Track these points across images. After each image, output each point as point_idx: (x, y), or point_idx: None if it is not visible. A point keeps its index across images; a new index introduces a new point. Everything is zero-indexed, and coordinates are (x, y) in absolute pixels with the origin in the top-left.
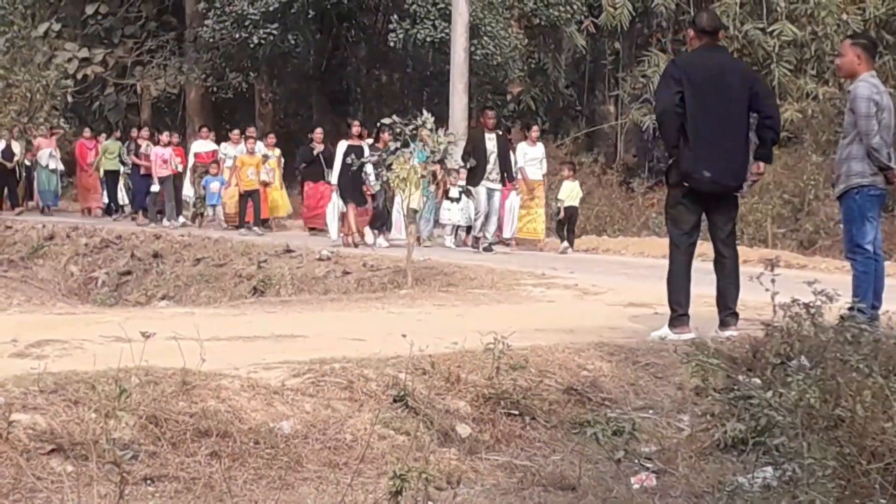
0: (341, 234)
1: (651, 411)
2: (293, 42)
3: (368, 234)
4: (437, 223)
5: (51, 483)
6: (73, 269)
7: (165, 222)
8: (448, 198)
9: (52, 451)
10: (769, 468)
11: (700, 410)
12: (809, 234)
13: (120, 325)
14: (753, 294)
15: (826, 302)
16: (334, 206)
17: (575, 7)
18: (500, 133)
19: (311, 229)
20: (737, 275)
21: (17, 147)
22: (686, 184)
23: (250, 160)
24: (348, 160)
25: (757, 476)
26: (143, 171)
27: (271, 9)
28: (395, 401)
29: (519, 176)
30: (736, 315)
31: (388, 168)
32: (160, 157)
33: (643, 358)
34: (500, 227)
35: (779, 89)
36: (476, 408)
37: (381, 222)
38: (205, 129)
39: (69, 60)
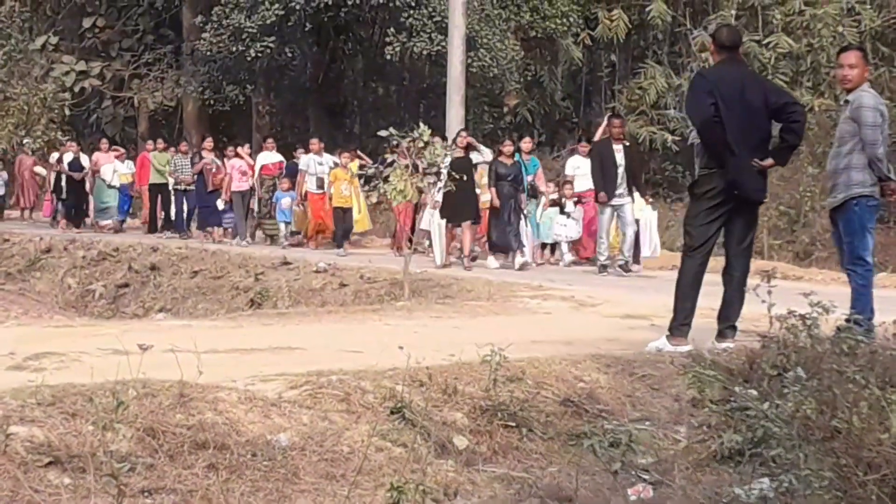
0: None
1: (648, 423)
2: (290, 55)
3: (491, 259)
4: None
5: (48, 496)
6: (71, 282)
7: (238, 241)
8: (562, 212)
9: (50, 463)
10: (766, 479)
11: (697, 422)
12: (805, 246)
13: (117, 338)
14: (750, 305)
15: (822, 313)
16: (438, 226)
17: (571, 20)
18: (629, 144)
19: (399, 249)
20: (743, 289)
21: (85, 160)
22: (735, 192)
23: (343, 174)
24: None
25: (754, 487)
26: (211, 187)
27: (268, 22)
28: (392, 413)
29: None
30: (735, 328)
31: (385, 180)
32: (237, 169)
33: (640, 370)
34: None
35: None
36: (473, 420)
37: (515, 242)
38: (270, 140)
39: (66, 73)
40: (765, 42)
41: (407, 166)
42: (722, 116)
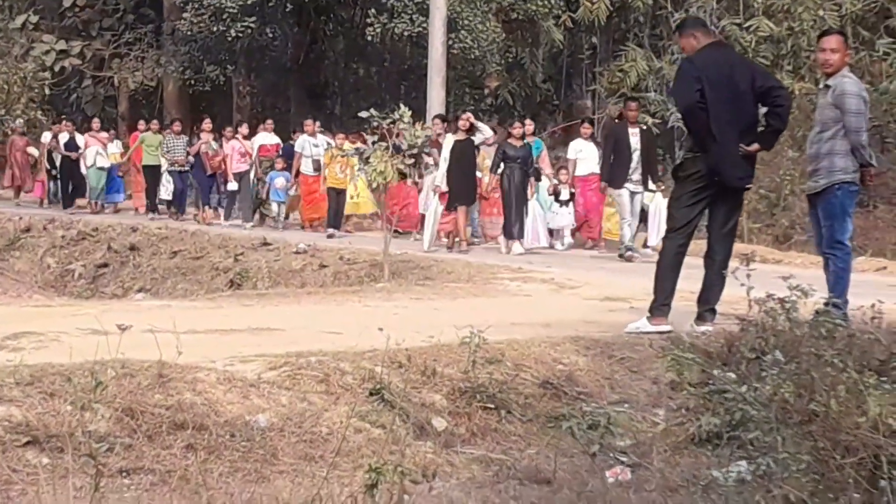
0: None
1: (626, 405)
2: (271, 35)
3: (502, 243)
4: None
5: (26, 475)
6: (50, 262)
7: (244, 225)
8: (557, 200)
9: (28, 443)
10: (744, 462)
11: (675, 404)
12: (785, 230)
13: (96, 318)
14: (729, 289)
15: (801, 297)
16: (434, 212)
17: (552, 1)
18: (645, 128)
19: (396, 232)
20: (724, 274)
21: (80, 139)
22: (716, 178)
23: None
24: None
25: (731, 470)
26: (210, 170)
27: (249, 2)
28: (371, 394)
29: (574, 171)
30: (714, 311)
31: (366, 161)
32: (237, 150)
33: (619, 352)
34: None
35: None
36: (452, 401)
37: (517, 229)
38: (269, 121)
39: (47, 52)
40: (745, 25)
41: (387, 147)
42: (708, 102)
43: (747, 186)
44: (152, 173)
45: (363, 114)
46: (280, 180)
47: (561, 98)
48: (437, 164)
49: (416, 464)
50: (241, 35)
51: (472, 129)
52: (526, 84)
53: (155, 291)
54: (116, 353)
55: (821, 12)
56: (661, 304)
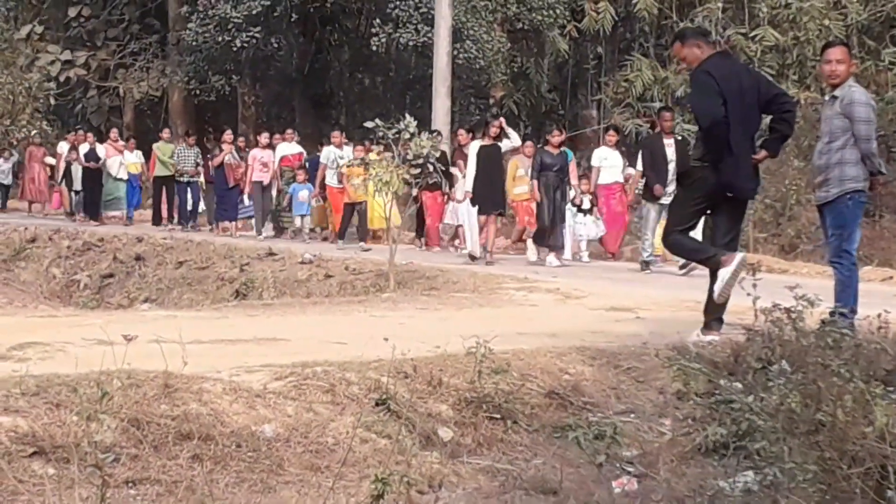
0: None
1: (633, 415)
2: (276, 45)
3: (531, 250)
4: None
5: (32, 486)
6: (56, 272)
7: (262, 233)
8: (580, 210)
9: (34, 453)
10: (750, 472)
11: (681, 414)
12: (791, 239)
13: (102, 328)
14: (735, 298)
15: (807, 307)
16: (468, 216)
17: (558, 11)
18: (681, 138)
19: (428, 245)
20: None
21: (101, 150)
22: (729, 193)
23: (358, 168)
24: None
25: (738, 480)
26: (232, 182)
27: (254, 12)
28: (377, 404)
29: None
30: (721, 321)
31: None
32: (258, 160)
33: (625, 362)
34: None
35: None
36: (458, 411)
37: (554, 240)
38: (290, 131)
39: (52, 63)
40: (751, 35)
41: (393, 158)
42: (727, 114)
43: (753, 197)
44: (165, 184)
45: (368, 124)
46: (303, 193)
47: (566, 108)
48: (465, 176)
49: (422, 474)
50: (246, 45)
51: (500, 136)
52: (531, 94)
53: (160, 301)
54: (122, 364)
55: (826, 22)
56: (713, 256)
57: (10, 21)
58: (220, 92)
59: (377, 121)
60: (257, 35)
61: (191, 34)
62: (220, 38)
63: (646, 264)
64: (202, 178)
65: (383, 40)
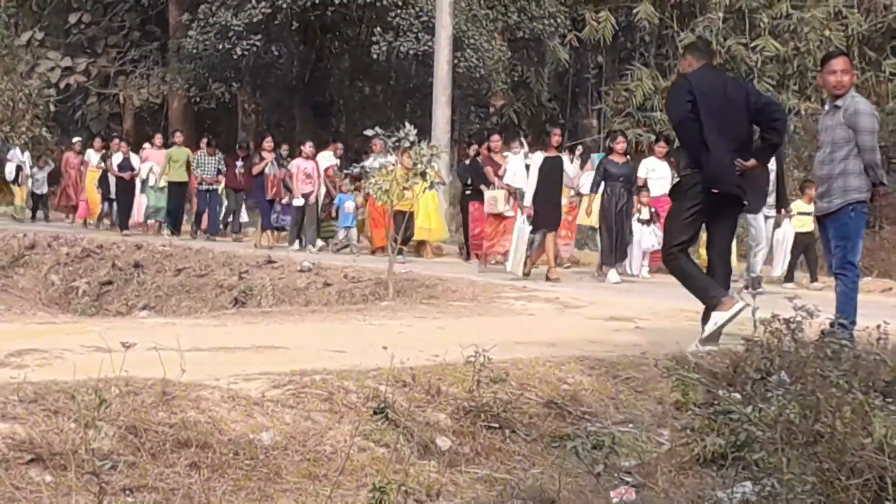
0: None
1: (631, 425)
2: (276, 53)
3: (612, 271)
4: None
5: (29, 493)
6: (54, 279)
7: (309, 248)
8: (638, 220)
9: (32, 460)
10: (748, 483)
11: (680, 425)
12: None
13: (100, 335)
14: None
15: (806, 318)
16: (520, 232)
17: (558, 21)
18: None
19: (478, 257)
20: (728, 286)
21: (136, 160)
22: (714, 190)
23: (405, 176)
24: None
25: (736, 491)
26: (270, 194)
27: (255, 20)
28: (375, 413)
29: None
30: (719, 332)
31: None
32: (302, 170)
33: (624, 372)
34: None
35: None
36: (456, 420)
37: (618, 254)
38: (338, 144)
39: (52, 69)
40: (752, 45)
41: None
42: (700, 114)
43: (743, 198)
44: (178, 191)
45: (368, 132)
46: (350, 204)
47: (566, 117)
48: (492, 184)
49: (420, 483)
50: (246, 53)
51: (561, 147)
52: (531, 103)
53: (159, 309)
54: (120, 371)
55: (827, 32)
56: (713, 296)
57: (11, 27)
58: (221, 99)
59: (377, 129)
60: (258, 43)
61: (191, 42)
62: (220, 46)
63: (756, 282)
64: (222, 186)
65: (384, 49)
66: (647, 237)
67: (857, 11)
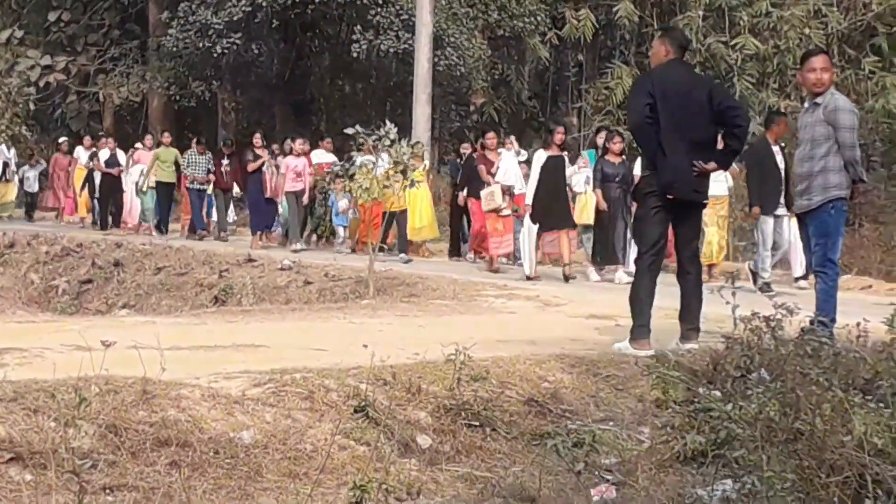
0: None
1: (611, 423)
2: (256, 51)
3: (591, 269)
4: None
5: (9, 492)
6: (34, 277)
7: (294, 245)
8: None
9: (11, 459)
10: (729, 481)
11: (660, 423)
12: None
13: (80, 334)
14: (714, 307)
15: (786, 315)
16: (528, 232)
17: (539, 19)
18: (783, 146)
19: (477, 253)
20: (700, 289)
21: (122, 156)
22: (669, 195)
23: (397, 174)
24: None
25: (716, 489)
26: (268, 193)
27: (235, 18)
28: (355, 411)
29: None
30: (698, 329)
31: (351, 178)
32: (292, 168)
33: (604, 370)
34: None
35: (741, 103)
36: (437, 419)
37: (618, 254)
38: (327, 140)
39: (31, 68)
40: (731, 43)
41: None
42: (659, 116)
43: (704, 202)
44: (166, 192)
45: (349, 130)
46: (343, 203)
47: (546, 115)
48: (487, 183)
49: (401, 481)
50: (226, 51)
51: (564, 145)
52: (512, 101)
53: (139, 307)
54: (100, 370)
55: (806, 31)
56: (639, 326)
57: None
58: (201, 98)
59: (357, 127)
60: (238, 41)
61: (171, 40)
62: (200, 44)
63: (767, 286)
64: (211, 187)
65: (364, 47)
66: None
67: (837, 9)
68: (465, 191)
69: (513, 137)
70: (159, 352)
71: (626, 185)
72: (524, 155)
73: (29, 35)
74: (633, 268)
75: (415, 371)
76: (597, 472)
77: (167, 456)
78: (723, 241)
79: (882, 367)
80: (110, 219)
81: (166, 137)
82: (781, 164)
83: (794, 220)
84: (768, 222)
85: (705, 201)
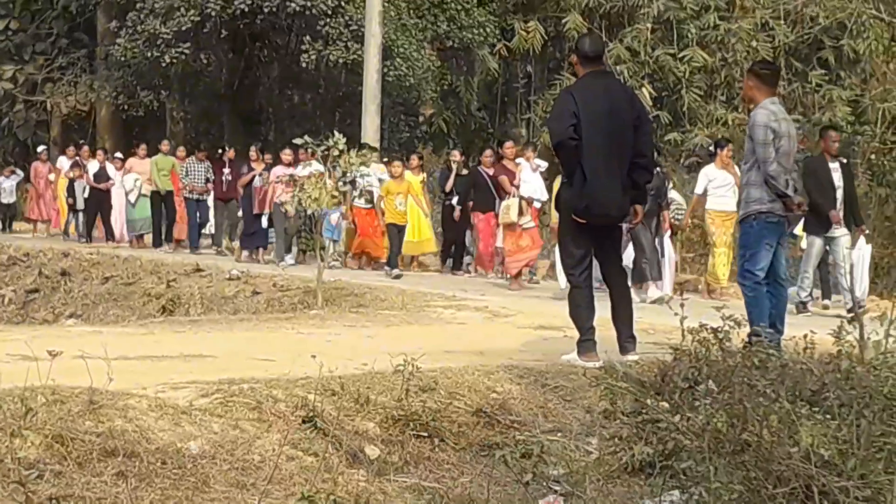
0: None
1: (559, 434)
2: (205, 61)
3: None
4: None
5: None
6: None
7: (285, 261)
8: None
9: None
10: (676, 492)
11: (608, 433)
12: None
13: (26, 344)
14: (663, 318)
15: (734, 327)
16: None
17: (488, 30)
18: (845, 161)
19: (482, 267)
20: (629, 300)
21: (111, 169)
22: (583, 220)
23: (398, 187)
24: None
25: (664, 500)
26: (257, 209)
27: (184, 28)
28: (303, 422)
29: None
30: (634, 339)
31: (301, 188)
32: (280, 178)
33: (552, 381)
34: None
35: (689, 115)
36: (385, 429)
37: (651, 270)
38: (287, 151)
39: None
40: (680, 56)
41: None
42: (582, 138)
43: (623, 219)
44: (161, 201)
45: (297, 140)
46: (335, 215)
47: (495, 126)
48: (507, 194)
49: (349, 492)
50: (175, 61)
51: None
52: (461, 112)
53: (86, 317)
54: (47, 380)
55: (754, 43)
56: (584, 340)
57: None
58: (149, 107)
59: (306, 137)
60: (186, 51)
61: (119, 49)
62: (149, 54)
63: (803, 305)
64: (211, 197)
65: (313, 57)
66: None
67: (784, 23)
68: (471, 204)
69: (530, 149)
70: (106, 362)
71: (658, 199)
72: (544, 165)
73: None
74: (668, 286)
75: (363, 382)
76: (545, 483)
77: (114, 466)
78: (725, 261)
79: (829, 378)
80: (96, 232)
81: (165, 145)
82: (839, 182)
83: (861, 240)
84: (816, 243)
85: (624, 218)
